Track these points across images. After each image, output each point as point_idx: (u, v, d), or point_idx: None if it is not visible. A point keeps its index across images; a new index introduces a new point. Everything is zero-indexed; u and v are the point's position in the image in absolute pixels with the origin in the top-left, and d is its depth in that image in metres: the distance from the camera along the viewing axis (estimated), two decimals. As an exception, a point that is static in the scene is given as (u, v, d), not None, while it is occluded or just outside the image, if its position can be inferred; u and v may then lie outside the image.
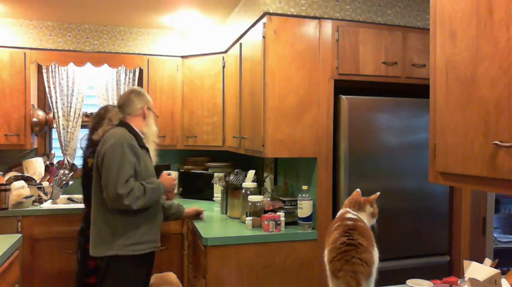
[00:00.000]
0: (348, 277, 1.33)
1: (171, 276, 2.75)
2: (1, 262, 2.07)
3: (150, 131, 2.49)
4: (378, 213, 1.62)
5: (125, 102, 2.47)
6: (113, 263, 2.26)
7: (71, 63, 3.75)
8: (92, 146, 2.78)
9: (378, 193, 1.64)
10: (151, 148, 2.50)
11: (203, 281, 2.56)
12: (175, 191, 2.97)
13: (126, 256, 2.25)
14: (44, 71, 3.88)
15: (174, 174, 2.52)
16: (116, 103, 3.96)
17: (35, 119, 3.71)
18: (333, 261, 1.38)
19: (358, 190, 1.69)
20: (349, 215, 1.52)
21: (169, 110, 3.91)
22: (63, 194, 3.81)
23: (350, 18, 2.69)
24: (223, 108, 3.65)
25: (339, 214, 1.61)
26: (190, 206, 3.42)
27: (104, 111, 2.92)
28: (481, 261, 1.58)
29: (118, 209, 2.23)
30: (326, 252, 1.44)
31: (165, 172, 2.56)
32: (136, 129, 2.42)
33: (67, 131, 3.94)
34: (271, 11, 2.56)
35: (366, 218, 1.57)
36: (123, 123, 2.42)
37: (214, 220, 3.09)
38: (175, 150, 4.05)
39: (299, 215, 2.67)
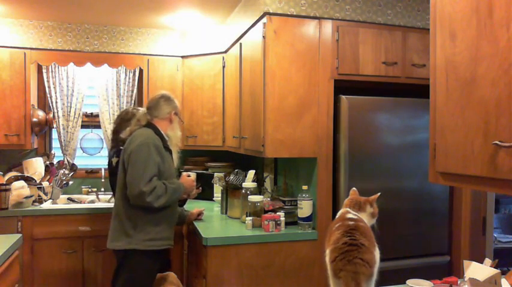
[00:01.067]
0: (348, 277, 1.33)
1: (171, 276, 2.75)
2: (1, 262, 2.07)
3: (174, 135, 2.60)
4: (378, 213, 1.62)
5: (153, 105, 2.60)
6: (130, 257, 2.37)
7: (71, 63, 3.75)
8: (115, 147, 3.00)
9: (379, 194, 1.64)
10: (174, 150, 2.60)
11: (203, 281, 2.56)
12: (194, 191, 3.08)
13: (143, 251, 2.36)
14: (44, 71, 3.88)
15: (193, 175, 2.69)
16: (115, 103, 4.00)
17: (35, 119, 3.71)
18: (335, 261, 1.38)
19: (354, 189, 1.69)
20: (350, 216, 1.52)
21: (169, 110, 3.91)
22: (63, 194, 3.81)
23: (350, 18, 2.69)
24: (223, 108, 3.65)
25: (339, 213, 1.61)
26: (190, 206, 3.43)
27: (125, 113, 3.09)
28: (481, 261, 1.58)
29: (140, 205, 2.33)
30: (328, 252, 1.44)
31: (184, 173, 2.67)
32: (162, 132, 2.53)
33: (67, 131, 3.94)
34: (271, 11, 2.56)
35: (366, 218, 1.57)
36: (150, 125, 2.54)
37: (214, 220, 3.09)
38: (175, 150, 4.05)
39: (299, 215, 2.67)
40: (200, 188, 3.19)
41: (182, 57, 3.92)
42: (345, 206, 1.63)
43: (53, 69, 3.89)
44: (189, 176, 2.66)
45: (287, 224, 2.70)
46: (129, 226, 2.37)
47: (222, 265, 2.50)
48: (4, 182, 3.37)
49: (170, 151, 2.56)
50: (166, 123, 2.58)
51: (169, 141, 2.58)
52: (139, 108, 3.10)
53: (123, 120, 3.01)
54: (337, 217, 1.59)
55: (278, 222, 2.63)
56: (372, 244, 1.42)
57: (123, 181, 2.41)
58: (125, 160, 2.41)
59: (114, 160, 2.91)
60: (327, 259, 1.43)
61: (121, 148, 2.89)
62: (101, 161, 4.17)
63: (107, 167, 3.17)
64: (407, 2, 2.82)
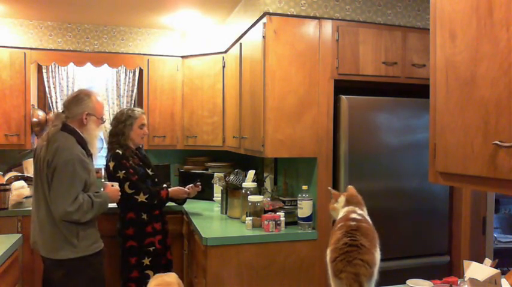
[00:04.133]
0: (350, 279, 1.33)
1: (172, 276, 2.74)
2: (1, 262, 2.07)
3: (90, 137, 2.43)
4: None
5: (66, 104, 2.41)
6: (80, 263, 2.29)
7: (71, 63, 3.75)
8: (112, 150, 2.92)
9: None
10: (94, 152, 2.47)
11: (203, 281, 2.56)
12: (194, 191, 3.18)
13: (90, 254, 2.33)
14: (44, 71, 3.88)
15: (116, 185, 2.59)
16: (115, 103, 4.00)
17: (35, 119, 3.71)
18: (335, 261, 1.38)
19: (350, 186, 1.71)
20: (352, 216, 1.52)
21: (169, 110, 3.91)
22: (63, 194, 3.80)
23: (350, 18, 2.69)
24: (223, 108, 3.65)
25: (343, 213, 1.60)
26: (190, 206, 3.43)
27: (120, 115, 3.01)
28: (481, 261, 1.58)
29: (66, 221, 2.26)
30: (328, 252, 1.44)
31: (108, 183, 2.56)
32: (83, 136, 2.38)
33: (67, 131, 3.93)
34: (271, 11, 2.56)
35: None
36: (69, 129, 2.35)
37: (214, 220, 3.09)
38: (175, 150, 4.05)
39: (299, 215, 2.67)
40: (200, 186, 3.18)
41: (182, 57, 3.92)
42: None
43: (53, 69, 3.90)
44: (112, 185, 2.56)
45: (287, 224, 2.70)
46: (72, 235, 2.27)
47: (222, 265, 2.50)
48: (4, 182, 3.37)
49: (91, 155, 2.43)
50: (78, 124, 2.38)
51: (89, 143, 2.42)
52: (136, 109, 3.07)
53: (118, 122, 2.95)
54: (340, 216, 1.59)
55: (278, 222, 2.63)
56: (373, 245, 1.42)
57: (48, 192, 2.27)
58: (48, 174, 2.25)
59: (111, 163, 2.84)
60: (327, 258, 1.44)
61: (118, 151, 2.87)
62: (101, 160, 4.16)
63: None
64: (407, 2, 2.82)
